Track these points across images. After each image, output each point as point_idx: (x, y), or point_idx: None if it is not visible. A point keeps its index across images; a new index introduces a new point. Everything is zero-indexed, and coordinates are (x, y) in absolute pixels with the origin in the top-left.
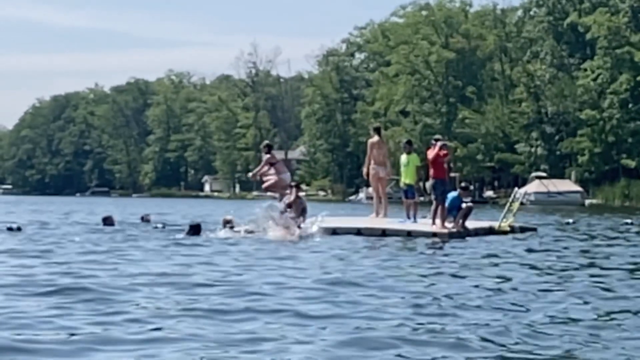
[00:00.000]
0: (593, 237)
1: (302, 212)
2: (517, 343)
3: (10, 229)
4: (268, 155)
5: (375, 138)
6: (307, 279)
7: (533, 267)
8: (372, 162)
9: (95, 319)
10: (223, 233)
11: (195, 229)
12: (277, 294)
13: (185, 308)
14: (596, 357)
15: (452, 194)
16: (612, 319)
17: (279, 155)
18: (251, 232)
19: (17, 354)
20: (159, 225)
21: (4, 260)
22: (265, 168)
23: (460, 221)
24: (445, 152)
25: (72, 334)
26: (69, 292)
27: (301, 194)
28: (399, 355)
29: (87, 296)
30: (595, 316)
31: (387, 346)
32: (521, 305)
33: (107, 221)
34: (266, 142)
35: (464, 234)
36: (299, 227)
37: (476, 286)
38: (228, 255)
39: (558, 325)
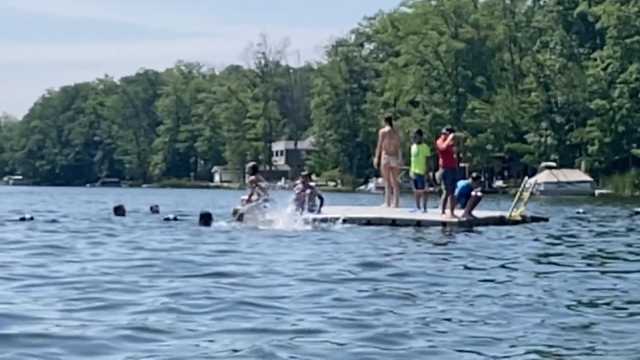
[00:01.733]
0: (604, 226)
1: (316, 201)
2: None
3: (23, 219)
4: (252, 177)
5: (387, 128)
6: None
7: (545, 256)
8: (384, 152)
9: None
10: (233, 223)
11: (206, 219)
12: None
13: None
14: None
15: (462, 182)
16: (615, 311)
17: (289, 145)
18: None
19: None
20: (170, 216)
21: (17, 251)
22: (250, 189)
23: (468, 209)
24: (451, 142)
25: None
26: (87, 283)
27: (311, 184)
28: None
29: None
30: (600, 307)
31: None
32: (534, 297)
33: (118, 211)
34: (252, 163)
35: (473, 222)
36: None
37: (479, 276)
38: (237, 245)
39: (565, 317)
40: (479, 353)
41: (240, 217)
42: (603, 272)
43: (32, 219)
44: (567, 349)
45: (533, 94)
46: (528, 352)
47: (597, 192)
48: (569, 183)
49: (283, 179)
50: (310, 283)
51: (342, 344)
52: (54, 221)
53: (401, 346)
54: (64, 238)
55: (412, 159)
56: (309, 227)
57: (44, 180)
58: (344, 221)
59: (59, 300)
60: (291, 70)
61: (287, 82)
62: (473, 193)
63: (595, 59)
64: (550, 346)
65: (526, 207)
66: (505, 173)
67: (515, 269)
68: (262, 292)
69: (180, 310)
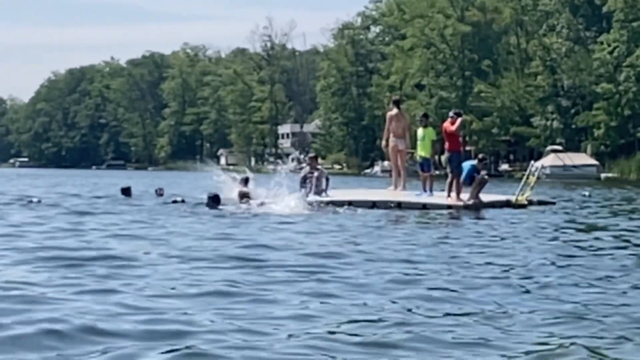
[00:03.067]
0: (610, 209)
1: (322, 184)
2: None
3: (30, 201)
4: (244, 189)
5: (395, 111)
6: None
7: (552, 240)
8: (391, 134)
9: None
10: (240, 206)
11: (214, 200)
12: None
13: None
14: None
15: (468, 163)
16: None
17: (295, 128)
18: (264, 204)
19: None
20: (178, 199)
21: (30, 231)
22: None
23: (474, 193)
24: (459, 126)
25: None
26: (108, 261)
27: (318, 166)
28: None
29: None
30: (607, 288)
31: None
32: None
33: (126, 192)
34: (245, 176)
35: (479, 206)
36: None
37: (482, 259)
38: (243, 228)
39: (557, 304)
40: (482, 339)
41: (242, 198)
42: (610, 253)
43: (39, 201)
44: (571, 332)
45: (539, 77)
46: (530, 335)
47: (603, 175)
48: (575, 167)
49: (290, 160)
50: (304, 267)
51: (342, 330)
52: (59, 204)
53: (393, 329)
54: (72, 219)
55: (418, 142)
56: (318, 211)
57: (50, 162)
58: (349, 204)
59: (65, 277)
60: (297, 53)
61: (293, 65)
62: (479, 176)
63: (601, 43)
64: (556, 323)
65: (532, 191)
66: (511, 156)
67: (520, 252)
68: (256, 276)
69: (168, 294)
